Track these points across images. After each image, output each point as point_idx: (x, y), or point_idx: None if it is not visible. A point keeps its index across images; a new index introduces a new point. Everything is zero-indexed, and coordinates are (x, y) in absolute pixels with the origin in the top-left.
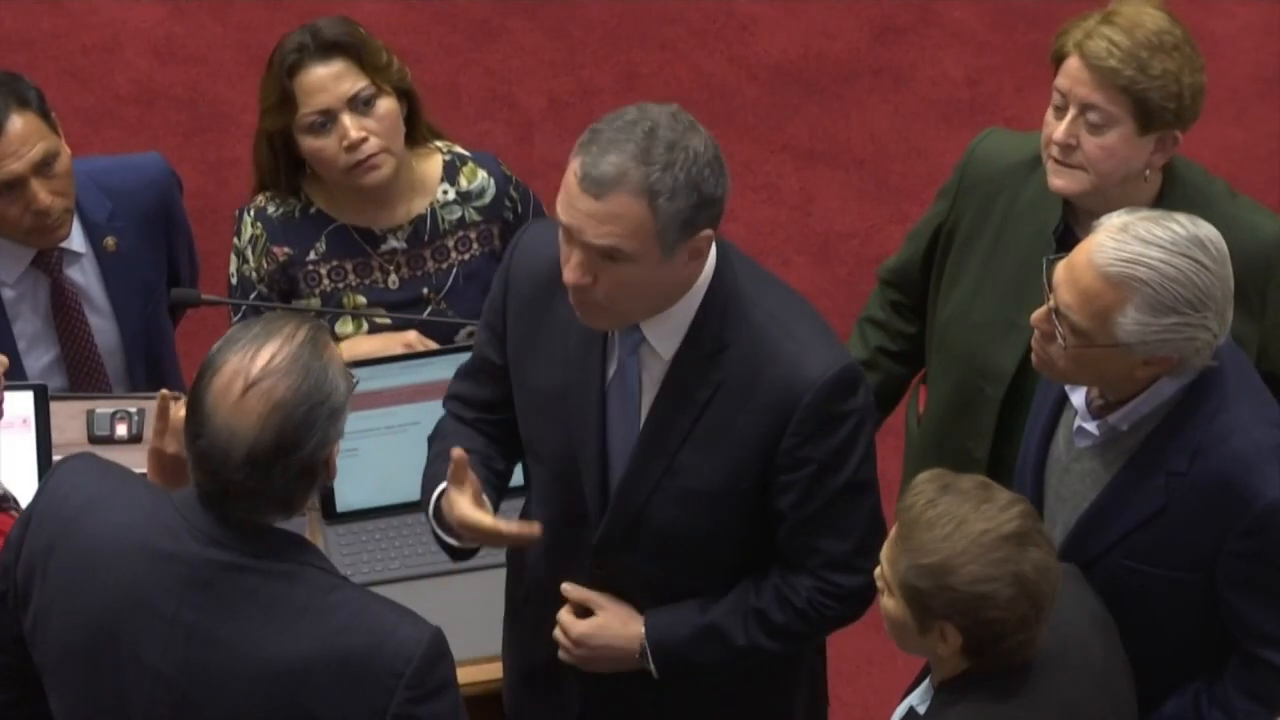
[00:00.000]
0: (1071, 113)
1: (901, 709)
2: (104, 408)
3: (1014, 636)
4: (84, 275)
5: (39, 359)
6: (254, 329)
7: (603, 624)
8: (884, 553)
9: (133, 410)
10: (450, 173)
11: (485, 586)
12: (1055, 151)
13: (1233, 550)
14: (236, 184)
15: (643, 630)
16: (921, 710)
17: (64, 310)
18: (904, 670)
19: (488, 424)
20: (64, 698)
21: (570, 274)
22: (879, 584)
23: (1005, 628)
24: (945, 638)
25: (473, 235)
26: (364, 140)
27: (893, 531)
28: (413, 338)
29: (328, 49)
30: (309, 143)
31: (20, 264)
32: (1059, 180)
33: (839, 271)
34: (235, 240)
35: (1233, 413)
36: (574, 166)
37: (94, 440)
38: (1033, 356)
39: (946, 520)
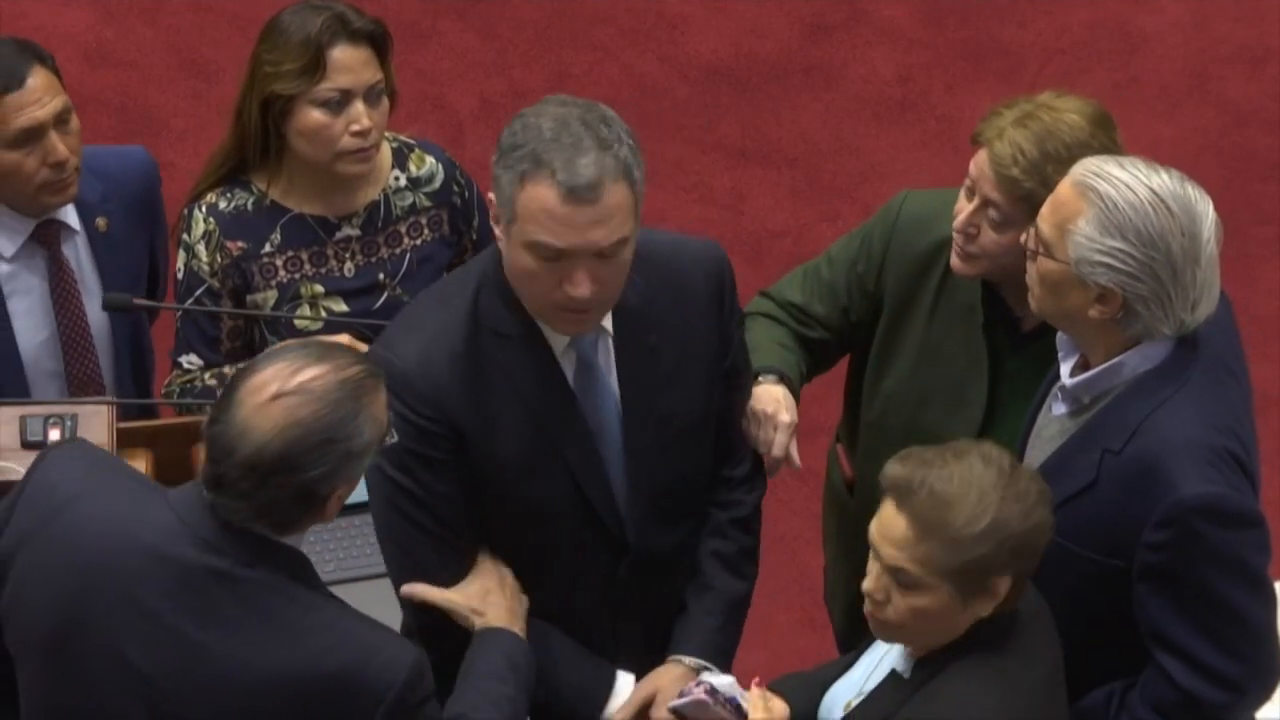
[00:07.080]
0: (976, 203)
1: (859, 670)
2: (37, 413)
3: (1034, 562)
4: (76, 254)
5: (33, 337)
6: (311, 348)
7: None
8: (900, 557)
9: (65, 415)
10: (400, 159)
11: None
12: (958, 238)
13: (1146, 541)
14: (170, 186)
15: (688, 666)
16: (904, 673)
17: (61, 287)
18: None
19: None
20: (30, 681)
21: (584, 289)
22: (879, 595)
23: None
24: (996, 592)
25: (423, 221)
26: (369, 130)
27: (904, 533)
28: (345, 341)
29: (360, 35)
30: (315, 116)
31: (19, 237)
32: (957, 262)
33: (772, 270)
34: (184, 236)
35: (1180, 405)
36: (541, 193)
37: (26, 445)
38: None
39: (960, 485)
